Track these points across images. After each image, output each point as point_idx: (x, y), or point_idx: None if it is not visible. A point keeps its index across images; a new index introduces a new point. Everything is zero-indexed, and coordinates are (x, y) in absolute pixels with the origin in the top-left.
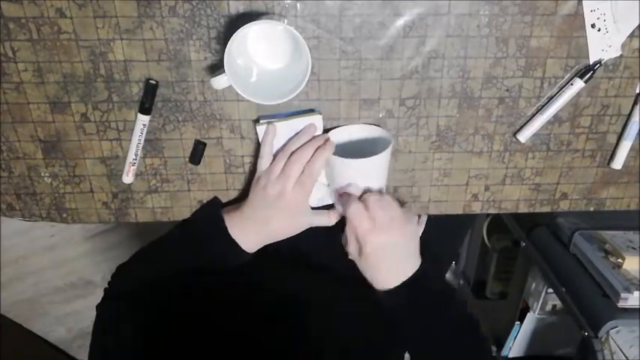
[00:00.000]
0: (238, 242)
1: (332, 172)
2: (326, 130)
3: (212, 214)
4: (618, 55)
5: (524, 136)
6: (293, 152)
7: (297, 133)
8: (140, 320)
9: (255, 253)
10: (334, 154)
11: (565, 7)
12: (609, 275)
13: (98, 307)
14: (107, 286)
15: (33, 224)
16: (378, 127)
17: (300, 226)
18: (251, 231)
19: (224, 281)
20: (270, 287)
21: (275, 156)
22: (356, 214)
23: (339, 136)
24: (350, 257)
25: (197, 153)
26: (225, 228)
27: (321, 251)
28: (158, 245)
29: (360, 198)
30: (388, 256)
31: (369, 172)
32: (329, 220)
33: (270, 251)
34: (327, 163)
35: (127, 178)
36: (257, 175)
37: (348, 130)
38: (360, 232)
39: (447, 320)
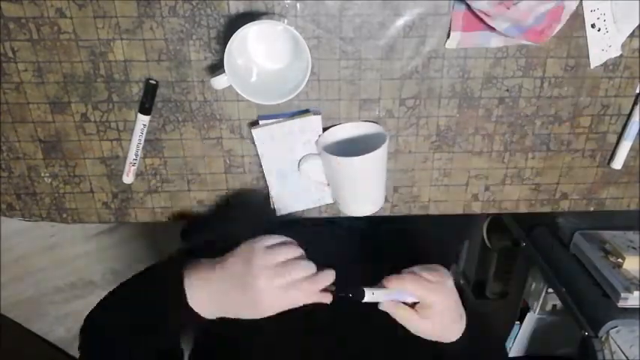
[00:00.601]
0: (196, 310)
1: (331, 172)
2: (323, 130)
3: (174, 279)
4: (618, 55)
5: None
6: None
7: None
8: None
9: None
10: (331, 152)
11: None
12: (609, 275)
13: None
14: (79, 339)
15: (33, 224)
16: (373, 124)
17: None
18: (210, 305)
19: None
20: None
21: (275, 155)
22: (408, 284)
23: (336, 134)
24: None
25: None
26: (185, 298)
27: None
28: (126, 291)
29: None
30: (451, 311)
31: (368, 170)
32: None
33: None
34: (325, 163)
35: (128, 178)
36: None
37: (343, 128)
38: (422, 299)
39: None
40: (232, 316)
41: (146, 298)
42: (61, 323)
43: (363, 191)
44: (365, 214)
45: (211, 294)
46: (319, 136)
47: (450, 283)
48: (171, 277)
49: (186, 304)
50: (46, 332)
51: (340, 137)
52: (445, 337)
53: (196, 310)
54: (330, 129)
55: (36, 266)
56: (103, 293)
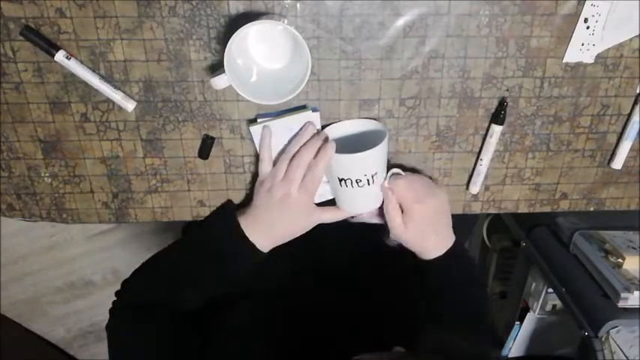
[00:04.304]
0: (254, 242)
1: (330, 168)
2: (322, 127)
3: (227, 217)
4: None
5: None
6: (294, 154)
7: (296, 134)
8: (153, 331)
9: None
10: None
11: (565, 7)
12: (609, 275)
13: (108, 327)
14: (112, 305)
15: (33, 224)
16: (373, 121)
17: (306, 225)
18: (259, 233)
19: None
20: (286, 284)
21: (275, 157)
22: (401, 188)
23: (335, 131)
24: (392, 238)
25: (205, 147)
26: (242, 230)
27: (336, 244)
28: (167, 253)
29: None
30: (433, 223)
31: (367, 167)
32: (336, 215)
33: (281, 251)
34: None
35: (129, 104)
36: (260, 178)
37: (343, 125)
38: (407, 204)
39: (471, 287)
40: (286, 238)
41: (199, 243)
42: (61, 323)
43: (361, 189)
44: (363, 212)
45: (264, 222)
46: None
47: (438, 198)
48: (225, 220)
49: (246, 237)
50: (46, 332)
51: (340, 134)
52: (424, 247)
53: (254, 241)
54: (330, 126)
55: (36, 266)
56: (103, 293)
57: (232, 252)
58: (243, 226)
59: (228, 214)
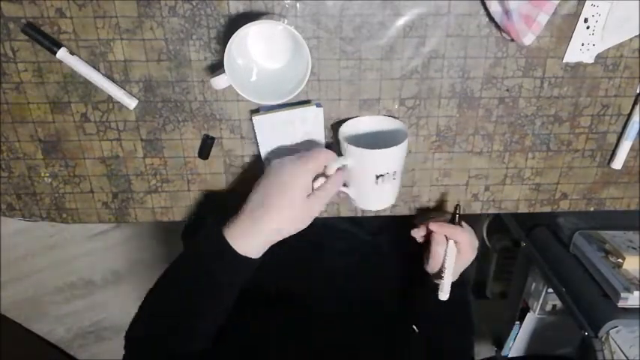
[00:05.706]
0: (246, 254)
1: (349, 163)
2: (338, 122)
3: (216, 239)
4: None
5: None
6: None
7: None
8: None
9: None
10: (352, 144)
11: (565, 7)
12: (609, 275)
13: None
14: (124, 340)
15: (33, 224)
16: (393, 119)
17: (307, 223)
18: (252, 235)
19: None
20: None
21: (274, 149)
22: (466, 233)
23: (353, 127)
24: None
25: (205, 147)
26: (232, 249)
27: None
28: (166, 287)
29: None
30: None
31: (387, 163)
32: (332, 189)
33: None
34: (346, 154)
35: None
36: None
37: (362, 121)
38: (465, 246)
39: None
40: (278, 238)
41: (192, 270)
42: (61, 323)
43: (378, 186)
44: (376, 209)
45: (254, 225)
46: (327, 127)
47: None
48: (213, 245)
49: (236, 253)
50: (46, 332)
51: (356, 130)
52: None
53: (245, 254)
54: (348, 121)
55: (36, 266)
56: (103, 293)
57: (228, 280)
58: (230, 240)
59: (216, 235)
